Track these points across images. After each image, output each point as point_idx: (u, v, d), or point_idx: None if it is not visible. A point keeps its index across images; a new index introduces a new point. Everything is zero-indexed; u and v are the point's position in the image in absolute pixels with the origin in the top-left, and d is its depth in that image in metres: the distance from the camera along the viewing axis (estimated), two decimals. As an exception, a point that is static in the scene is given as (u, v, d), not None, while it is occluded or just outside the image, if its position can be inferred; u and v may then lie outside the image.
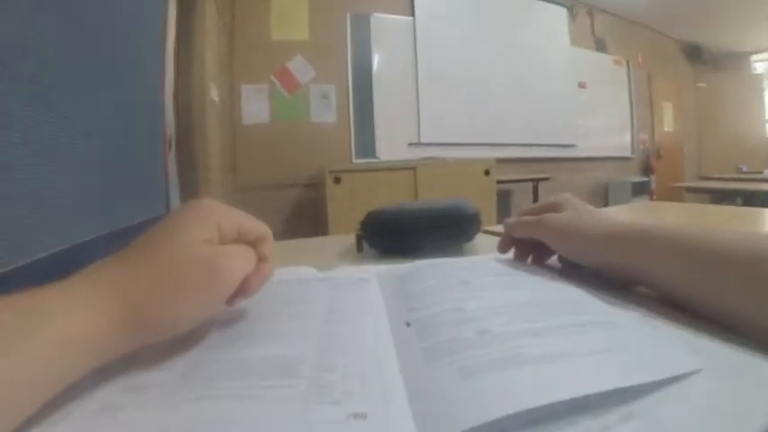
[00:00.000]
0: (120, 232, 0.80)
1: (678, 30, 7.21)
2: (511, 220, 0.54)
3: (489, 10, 4.84)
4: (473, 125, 4.64)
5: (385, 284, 0.44)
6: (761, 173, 5.20)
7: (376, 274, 0.48)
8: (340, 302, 0.40)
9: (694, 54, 7.86)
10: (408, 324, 0.33)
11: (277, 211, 3.93)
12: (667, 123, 7.08)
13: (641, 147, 6.37)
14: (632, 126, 6.23)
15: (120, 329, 0.26)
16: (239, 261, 0.33)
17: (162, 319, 0.29)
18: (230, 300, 0.33)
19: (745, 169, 5.59)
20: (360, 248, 0.67)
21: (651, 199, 5.89)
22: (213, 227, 0.33)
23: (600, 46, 5.81)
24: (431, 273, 0.45)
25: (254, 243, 0.36)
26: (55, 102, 0.62)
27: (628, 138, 6.17)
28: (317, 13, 4.19)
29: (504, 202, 4.36)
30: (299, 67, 4.13)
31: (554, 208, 0.51)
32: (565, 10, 5.41)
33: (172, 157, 2.11)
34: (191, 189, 2.36)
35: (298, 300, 0.42)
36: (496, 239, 0.58)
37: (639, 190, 5.76)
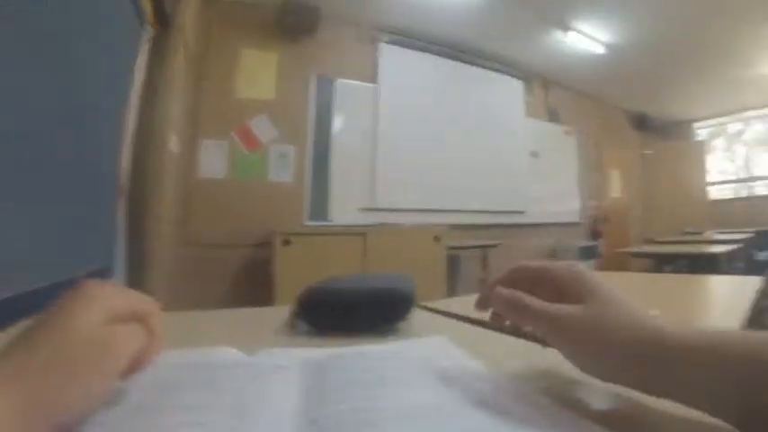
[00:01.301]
0: (62, 284, 0.75)
1: (625, 101, 7.75)
2: (504, 291, 0.43)
3: (450, 80, 5.16)
4: (427, 191, 4.86)
5: (306, 373, 0.43)
6: (700, 233, 5.56)
7: (301, 361, 0.46)
8: (243, 395, 0.38)
9: (641, 123, 8.39)
10: (314, 421, 0.32)
11: (224, 271, 3.94)
12: (615, 189, 7.51)
13: (589, 212, 6.69)
14: (581, 192, 6.57)
15: (23, 418, 0.26)
16: (130, 339, 0.35)
17: (59, 403, 0.29)
18: (123, 376, 0.34)
19: (691, 230, 5.92)
20: (293, 325, 0.67)
21: (599, 264, 6.16)
22: (104, 307, 0.33)
23: (553, 117, 6.20)
24: (352, 364, 0.45)
25: (144, 320, 0.37)
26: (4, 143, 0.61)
27: (577, 204, 6.52)
28: (284, 73, 4.35)
29: (453, 268, 4.50)
30: (262, 126, 4.23)
31: (555, 283, 0.42)
32: (521, 83, 5.75)
33: (121, 206, 2.11)
34: (138, 239, 2.35)
35: (197, 388, 0.39)
36: (435, 318, 0.62)
37: (587, 254, 6.04)
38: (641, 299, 0.72)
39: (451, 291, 4.28)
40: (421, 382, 0.40)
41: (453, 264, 4.52)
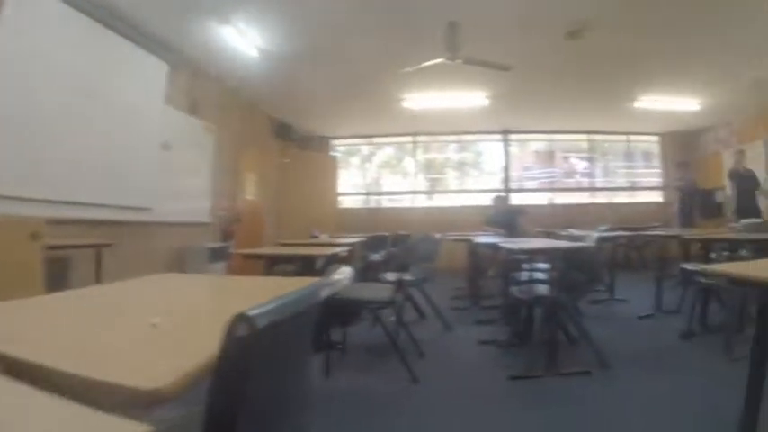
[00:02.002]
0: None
1: (272, 108, 8.09)
2: None
3: (82, 41, 4.17)
4: (22, 175, 3.76)
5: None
6: (317, 237, 6.09)
7: None
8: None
9: (283, 132, 8.90)
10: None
11: None
12: (249, 192, 7.67)
13: (222, 213, 6.63)
14: (214, 192, 6.43)
15: None
16: None
17: None
18: None
19: (316, 234, 6.40)
20: None
21: (230, 265, 6.13)
22: None
23: (194, 109, 5.87)
24: None
25: None
26: None
27: (208, 203, 6.32)
28: None
29: (59, 273, 3.75)
30: None
31: None
32: (166, 66, 5.23)
33: None
34: None
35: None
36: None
37: (217, 256, 5.93)
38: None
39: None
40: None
41: (60, 268, 3.78)
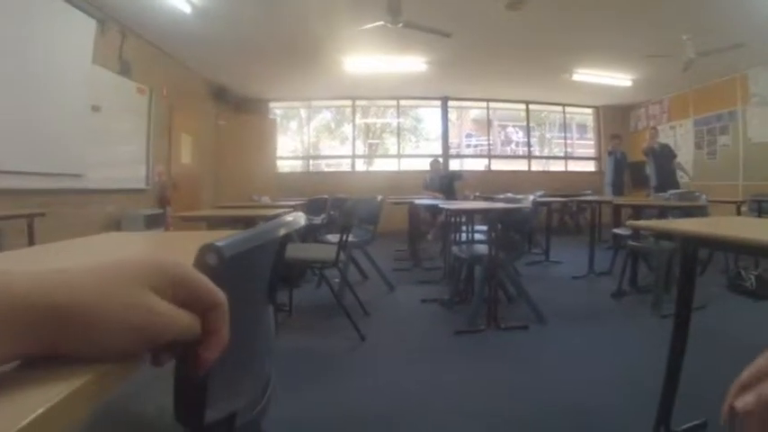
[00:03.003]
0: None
1: (206, 69, 7.81)
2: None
3: None
4: None
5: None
6: (257, 200, 6.06)
7: None
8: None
9: (219, 94, 8.66)
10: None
11: None
12: (186, 156, 7.45)
13: (157, 179, 6.44)
14: (148, 157, 6.22)
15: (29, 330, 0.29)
16: (170, 325, 0.33)
17: (75, 354, 0.31)
18: (156, 359, 0.36)
19: (256, 197, 6.33)
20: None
21: (167, 230, 6.00)
22: (166, 284, 0.34)
23: (125, 70, 5.61)
24: None
25: (203, 312, 0.36)
26: None
27: (143, 169, 6.13)
28: None
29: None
30: None
31: None
32: (95, 23, 4.97)
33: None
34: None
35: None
36: None
37: (154, 222, 5.78)
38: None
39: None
40: None
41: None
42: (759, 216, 5.28)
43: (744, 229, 1.52)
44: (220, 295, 0.37)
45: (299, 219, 0.98)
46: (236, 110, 9.46)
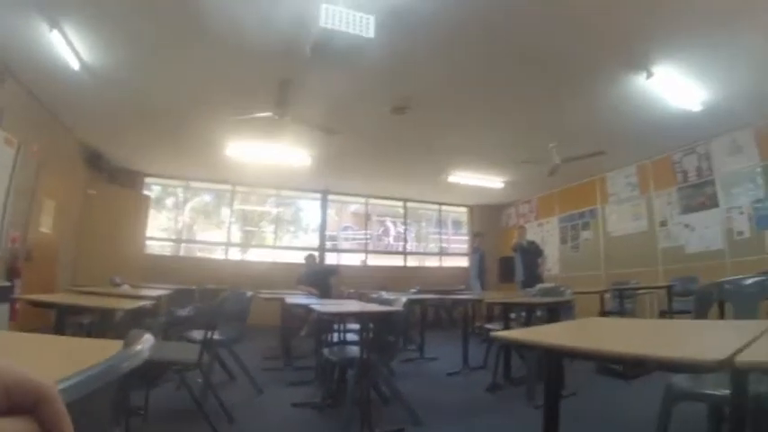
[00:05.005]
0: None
1: (83, 131, 7.28)
2: None
3: None
4: None
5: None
6: (118, 284, 5.53)
7: None
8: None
9: (93, 160, 8.08)
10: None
11: None
12: (46, 224, 6.72)
13: (10, 245, 5.73)
14: (3, 219, 5.52)
15: None
16: None
17: None
18: None
19: (117, 281, 5.79)
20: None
21: (14, 309, 5.25)
22: None
23: (-5, 115, 5.06)
24: None
25: (33, 409, 0.28)
26: None
27: (-6, 233, 5.43)
28: None
29: None
30: None
31: None
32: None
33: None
34: None
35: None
36: None
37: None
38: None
39: None
40: None
41: None
42: (620, 300, 5.88)
43: (607, 337, 1.63)
44: (46, 385, 0.30)
45: (146, 347, 0.91)
46: (109, 180, 8.76)
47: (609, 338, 1.56)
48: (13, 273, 5.71)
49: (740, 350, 0.95)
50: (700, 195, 7.33)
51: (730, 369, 0.91)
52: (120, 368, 0.83)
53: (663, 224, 7.94)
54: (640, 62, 4.76)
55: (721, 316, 2.19)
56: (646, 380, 4.05)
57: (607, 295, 6.15)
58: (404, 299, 3.68)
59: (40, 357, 1.13)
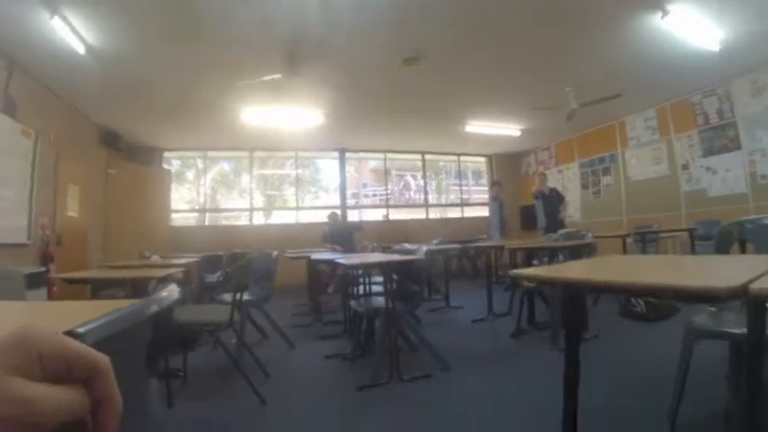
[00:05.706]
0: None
1: (97, 114, 7.37)
2: None
3: None
4: None
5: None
6: (148, 257, 5.69)
7: None
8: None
9: (110, 141, 8.14)
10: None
11: None
12: (72, 208, 6.89)
13: (41, 232, 5.91)
14: (31, 208, 5.69)
15: None
16: (53, 408, 0.28)
17: None
18: None
19: (147, 254, 5.94)
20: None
21: (51, 292, 5.46)
22: (32, 361, 0.28)
23: (10, 109, 5.13)
24: None
25: (86, 381, 0.31)
26: None
27: (25, 221, 5.59)
28: None
29: None
30: None
31: None
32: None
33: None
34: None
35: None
36: None
37: (36, 282, 5.22)
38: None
39: None
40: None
41: None
42: (643, 244, 5.79)
43: (626, 271, 1.61)
44: (100, 358, 0.33)
45: (172, 293, 0.96)
46: (128, 158, 8.90)
47: (627, 273, 1.55)
48: (46, 258, 5.91)
49: (754, 279, 0.96)
50: (721, 138, 7.15)
51: (744, 297, 0.91)
52: (147, 310, 0.88)
53: (684, 167, 7.80)
54: (655, -1, 4.56)
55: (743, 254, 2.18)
56: (669, 324, 4.09)
57: (629, 239, 6.12)
58: (425, 248, 3.72)
59: (79, 316, 1.19)
